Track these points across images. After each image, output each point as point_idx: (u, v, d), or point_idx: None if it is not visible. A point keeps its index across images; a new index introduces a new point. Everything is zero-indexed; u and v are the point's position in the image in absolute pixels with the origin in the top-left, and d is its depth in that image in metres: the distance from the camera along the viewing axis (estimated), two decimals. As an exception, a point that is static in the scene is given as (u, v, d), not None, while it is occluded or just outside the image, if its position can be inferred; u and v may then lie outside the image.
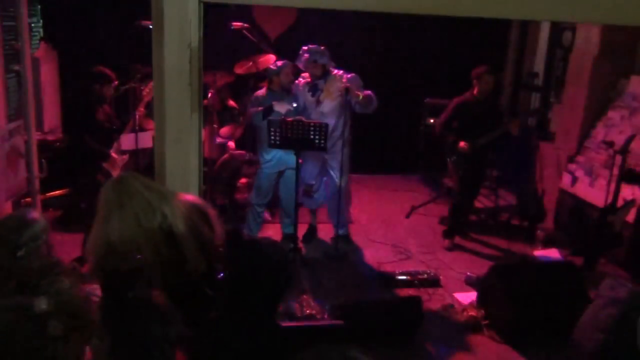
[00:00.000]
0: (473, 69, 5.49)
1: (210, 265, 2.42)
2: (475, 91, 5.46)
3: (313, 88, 5.22)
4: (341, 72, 5.20)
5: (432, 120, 7.01)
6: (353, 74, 5.18)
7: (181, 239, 2.28)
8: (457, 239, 5.81)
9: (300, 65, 5.21)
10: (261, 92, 5.29)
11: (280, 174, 5.38)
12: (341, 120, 5.19)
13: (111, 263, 2.17)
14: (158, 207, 2.26)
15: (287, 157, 5.15)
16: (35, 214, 2.52)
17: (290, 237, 5.20)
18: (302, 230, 5.49)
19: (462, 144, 5.44)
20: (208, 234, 2.44)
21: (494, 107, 5.71)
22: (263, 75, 5.66)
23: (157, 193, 2.31)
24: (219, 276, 2.53)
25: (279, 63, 5.24)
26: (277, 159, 5.26)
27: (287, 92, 5.23)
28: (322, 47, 5.16)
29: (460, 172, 5.58)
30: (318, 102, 5.20)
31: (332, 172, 5.30)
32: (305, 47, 5.16)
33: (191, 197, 2.62)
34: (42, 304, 2.07)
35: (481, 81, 5.41)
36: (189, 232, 2.31)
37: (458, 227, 5.83)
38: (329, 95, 5.17)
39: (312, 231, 5.72)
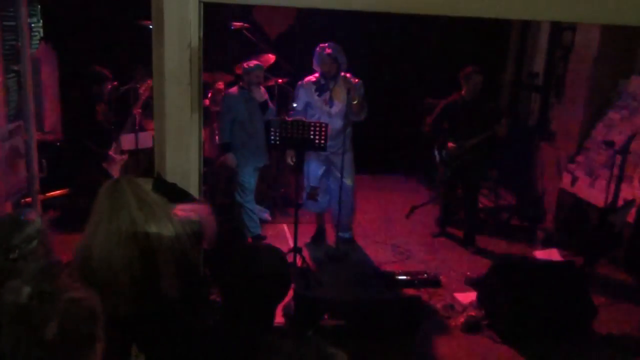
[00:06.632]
0: (461, 70, 5.47)
1: (187, 293, 2.29)
2: (463, 91, 5.46)
3: (321, 88, 5.10)
4: (349, 75, 5.12)
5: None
6: (359, 80, 5.12)
7: (160, 264, 2.20)
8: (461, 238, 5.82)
9: (316, 61, 5.06)
10: (234, 90, 5.27)
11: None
12: (347, 122, 5.14)
13: (86, 274, 2.09)
14: (142, 227, 2.17)
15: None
16: (31, 214, 2.39)
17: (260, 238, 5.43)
18: (302, 231, 5.48)
19: (450, 144, 5.45)
20: (195, 258, 2.34)
21: (484, 107, 5.55)
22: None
23: (147, 209, 2.21)
24: (215, 303, 2.41)
25: (252, 64, 5.23)
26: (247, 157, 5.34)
27: (255, 92, 5.24)
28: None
29: (449, 172, 5.59)
30: (327, 103, 5.12)
31: (338, 175, 5.17)
32: (325, 44, 5.01)
33: (188, 211, 2.45)
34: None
35: (469, 81, 5.40)
36: (170, 258, 2.21)
37: (447, 220, 5.97)
38: (338, 96, 5.09)
39: (321, 233, 5.68)
